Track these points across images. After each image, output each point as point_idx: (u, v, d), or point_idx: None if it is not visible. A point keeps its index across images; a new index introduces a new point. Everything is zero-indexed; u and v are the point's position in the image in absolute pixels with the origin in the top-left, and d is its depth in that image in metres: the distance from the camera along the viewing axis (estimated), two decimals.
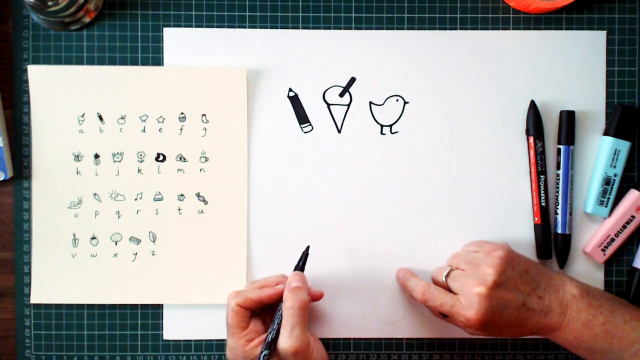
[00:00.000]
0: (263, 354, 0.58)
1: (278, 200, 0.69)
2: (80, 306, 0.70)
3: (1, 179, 0.67)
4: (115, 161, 0.69)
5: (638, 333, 0.60)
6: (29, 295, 0.69)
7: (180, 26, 0.69)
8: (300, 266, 0.65)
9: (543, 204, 0.69)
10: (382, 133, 0.70)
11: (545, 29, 0.70)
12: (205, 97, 0.69)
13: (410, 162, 0.70)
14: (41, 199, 0.69)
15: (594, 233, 0.70)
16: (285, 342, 0.58)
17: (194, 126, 0.69)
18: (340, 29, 0.70)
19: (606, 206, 0.69)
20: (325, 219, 0.70)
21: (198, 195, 0.69)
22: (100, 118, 0.69)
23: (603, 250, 0.69)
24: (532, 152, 0.69)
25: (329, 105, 0.70)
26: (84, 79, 0.68)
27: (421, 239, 0.70)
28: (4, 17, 0.69)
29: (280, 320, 0.60)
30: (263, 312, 0.65)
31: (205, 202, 0.69)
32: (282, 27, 0.70)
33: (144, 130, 0.69)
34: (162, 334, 0.70)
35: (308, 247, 0.65)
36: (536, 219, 0.69)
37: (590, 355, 0.62)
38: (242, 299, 0.62)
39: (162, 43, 0.69)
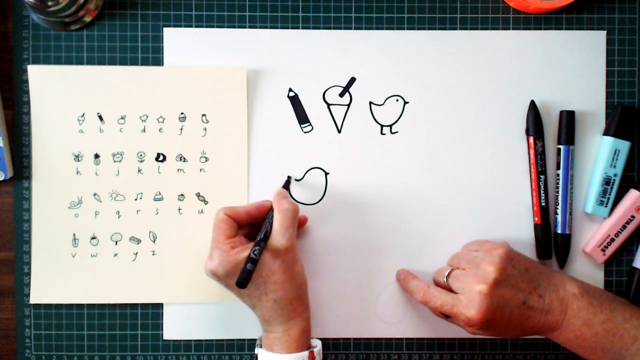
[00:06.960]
0: (254, 248, 0.59)
1: None
2: (80, 306, 0.70)
3: (1, 179, 0.67)
4: (115, 161, 0.69)
5: (638, 331, 0.61)
6: (29, 295, 0.69)
7: (180, 26, 0.69)
8: (285, 187, 0.68)
9: (543, 204, 0.69)
10: (382, 133, 0.70)
11: (545, 29, 0.70)
12: (205, 97, 0.69)
13: (410, 162, 0.70)
14: (41, 199, 0.69)
15: (594, 233, 0.70)
16: (279, 240, 0.61)
17: (194, 126, 0.69)
18: (340, 29, 0.70)
19: (606, 206, 0.69)
20: (325, 218, 0.70)
21: (198, 195, 0.69)
22: (100, 118, 0.69)
23: (603, 250, 0.69)
24: (532, 152, 0.69)
25: (329, 105, 0.70)
26: (84, 79, 0.68)
27: (421, 239, 0.70)
28: (4, 17, 0.69)
29: (271, 224, 0.62)
30: (248, 232, 0.66)
31: (205, 202, 0.69)
32: (282, 27, 0.70)
33: (144, 130, 0.69)
34: (162, 334, 0.70)
35: (289, 176, 0.69)
36: (536, 219, 0.69)
37: (590, 354, 0.62)
38: (230, 209, 0.64)
39: (162, 43, 0.69)
